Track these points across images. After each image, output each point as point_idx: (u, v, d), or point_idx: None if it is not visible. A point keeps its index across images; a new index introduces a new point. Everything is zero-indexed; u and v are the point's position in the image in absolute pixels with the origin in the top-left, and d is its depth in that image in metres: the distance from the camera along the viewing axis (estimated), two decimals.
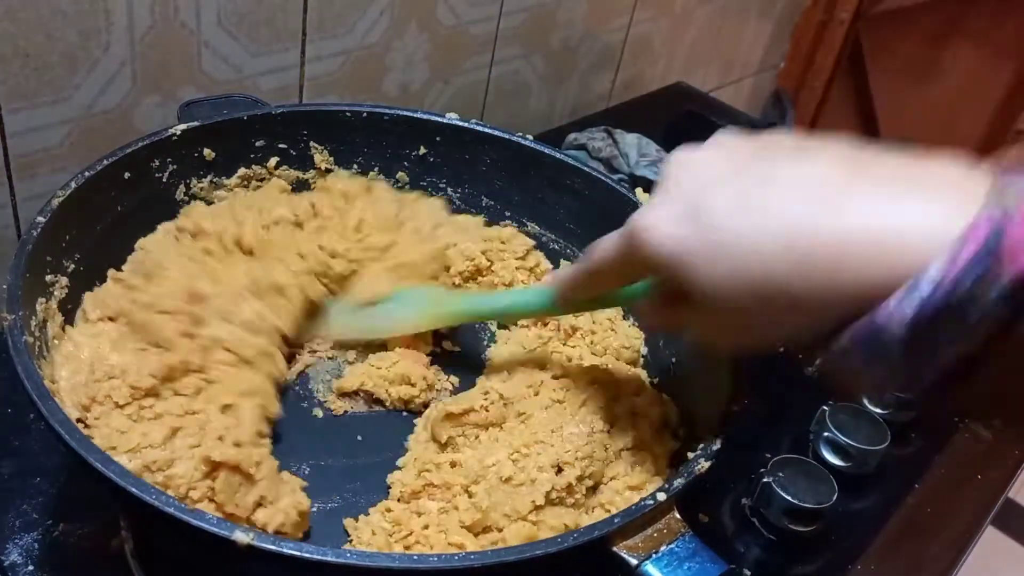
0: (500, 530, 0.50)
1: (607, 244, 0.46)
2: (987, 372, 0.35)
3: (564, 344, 0.64)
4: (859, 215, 0.35)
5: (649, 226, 0.40)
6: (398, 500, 0.53)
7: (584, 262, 0.49)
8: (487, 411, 0.56)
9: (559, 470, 0.52)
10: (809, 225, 0.36)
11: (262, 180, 0.68)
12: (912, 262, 0.33)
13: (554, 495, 0.51)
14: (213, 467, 0.48)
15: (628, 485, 0.54)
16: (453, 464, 0.53)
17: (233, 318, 0.57)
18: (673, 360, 0.63)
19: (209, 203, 0.66)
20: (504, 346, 0.65)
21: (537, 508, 0.50)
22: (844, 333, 0.36)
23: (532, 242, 0.71)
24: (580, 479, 0.52)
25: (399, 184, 0.72)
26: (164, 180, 0.63)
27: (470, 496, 0.51)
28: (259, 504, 0.48)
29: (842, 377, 0.38)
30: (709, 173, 0.40)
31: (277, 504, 0.49)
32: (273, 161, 0.68)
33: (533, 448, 0.54)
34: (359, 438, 0.59)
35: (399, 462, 0.57)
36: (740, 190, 0.38)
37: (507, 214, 0.72)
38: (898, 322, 0.33)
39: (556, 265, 0.71)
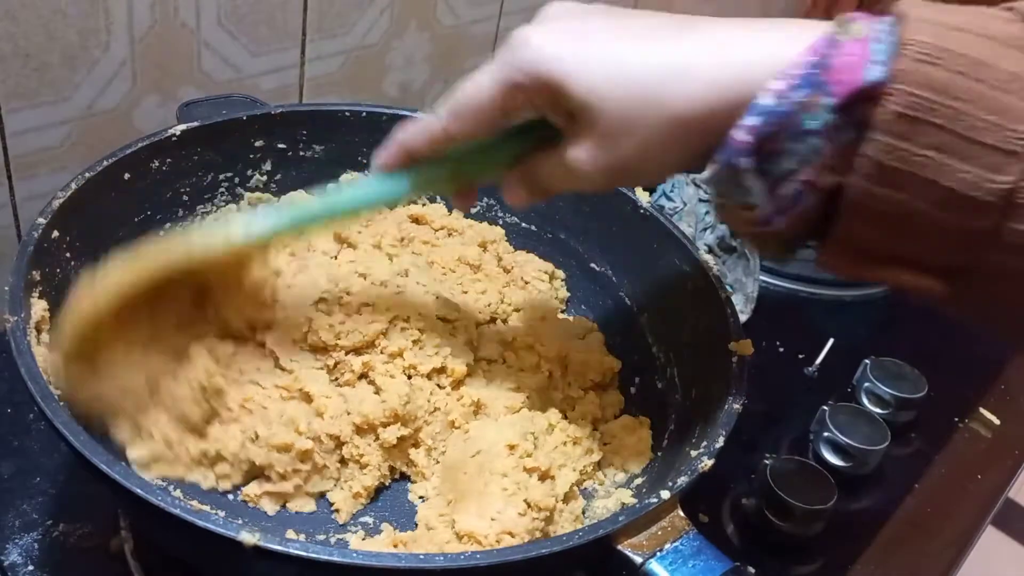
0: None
1: (481, 78, 0.44)
2: (848, 228, 0.36)
3: None
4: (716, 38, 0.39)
5: (535, 41, 0.42)
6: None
7: (451, 111, 0.46)
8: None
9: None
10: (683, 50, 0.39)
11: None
12: (754, 84, 0.36)
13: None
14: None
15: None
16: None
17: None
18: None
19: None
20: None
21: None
22: (710, 164, 0.38)
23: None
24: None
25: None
26: (164, 180, 0.63)
27: None
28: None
29: (727, 218, 0.40)
30: (579, 10, 0.44)
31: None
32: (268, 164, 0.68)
33: None
34: None
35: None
36: (615, 22, 0.42)
37: (506, 212, 0.72)
38: (743, 138, 0.36)
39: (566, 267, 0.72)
